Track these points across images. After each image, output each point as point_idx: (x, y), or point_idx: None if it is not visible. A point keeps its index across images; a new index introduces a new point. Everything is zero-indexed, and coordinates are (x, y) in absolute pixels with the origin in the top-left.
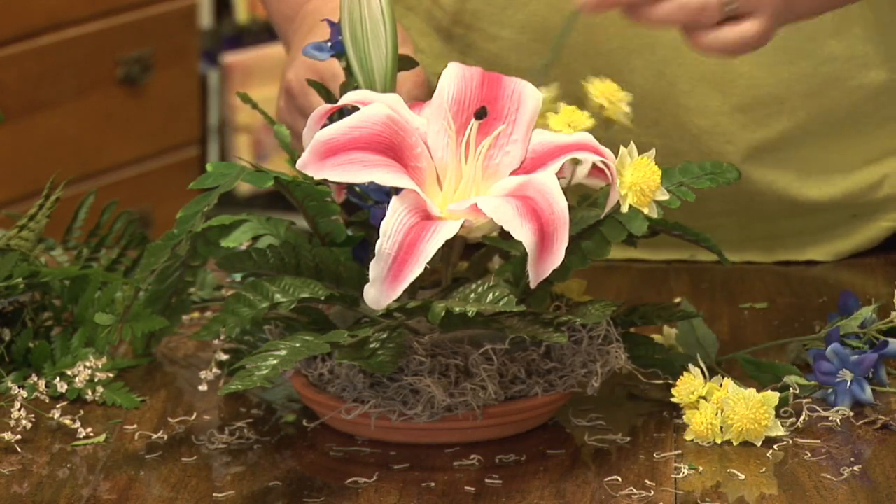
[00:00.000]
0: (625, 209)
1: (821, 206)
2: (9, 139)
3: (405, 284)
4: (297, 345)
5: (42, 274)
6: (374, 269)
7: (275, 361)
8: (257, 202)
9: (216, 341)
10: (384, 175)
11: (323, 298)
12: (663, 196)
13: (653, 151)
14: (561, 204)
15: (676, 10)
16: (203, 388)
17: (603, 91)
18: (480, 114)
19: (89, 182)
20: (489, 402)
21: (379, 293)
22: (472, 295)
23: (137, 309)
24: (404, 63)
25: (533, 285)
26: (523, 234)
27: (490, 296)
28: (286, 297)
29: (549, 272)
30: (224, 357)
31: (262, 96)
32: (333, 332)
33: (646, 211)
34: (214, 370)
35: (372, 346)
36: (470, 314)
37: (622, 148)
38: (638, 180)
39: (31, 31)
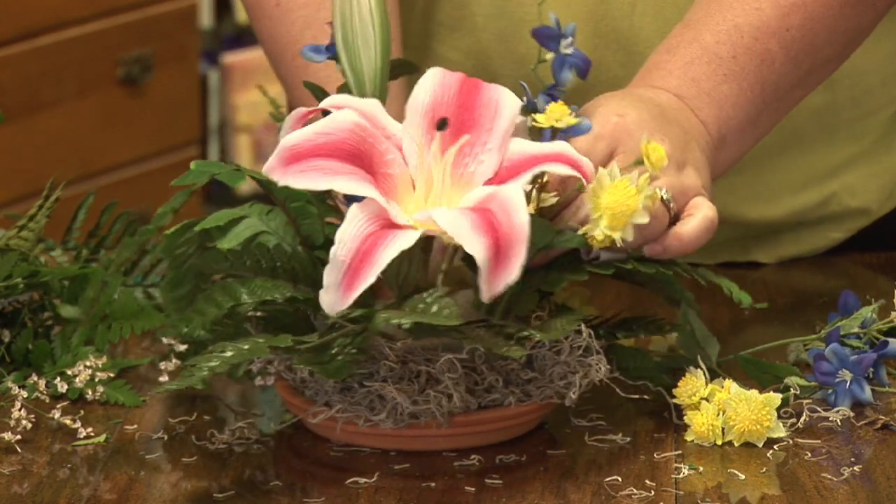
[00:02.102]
0: (598, 234)
1: (768, 223)
2: (9, 139)
3: (359, 291)
4: (245, 347)
5: (42, 274)
6: (329, 275)
7: (216, 363)
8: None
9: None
10: (346, 183)
11: (280, 301)
12: (643, 219)
13: (635, 173)
14: (521, 218)
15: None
16: (164, 378)
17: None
18: (441, 125)
19: (89, 182)
20: (454, 411)
21: (333, 299)
22: (421, 305)
23: (139, 304)
24: (404, 67)
25: (485, 300)
26: (475, 248)
27: (435, 307)
28: (252, 298)
29: (503, 287)
30: (182, 348)
31: (261, 96)
32: (281, 335)
33: (618, 236)
34: (175, 361)
35: (333, 350)
36: (405, 326)
37: (601, 168)
38: (612, 203)
39: (31, 31)
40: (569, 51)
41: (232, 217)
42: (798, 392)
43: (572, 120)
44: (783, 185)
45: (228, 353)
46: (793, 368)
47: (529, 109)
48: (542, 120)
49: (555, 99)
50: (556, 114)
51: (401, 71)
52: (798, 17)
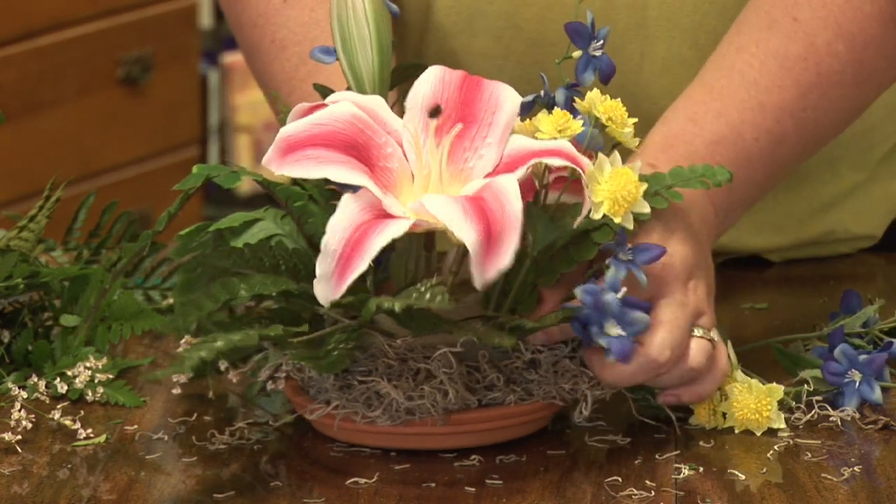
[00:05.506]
0: (597, 216)
1: (776, 247)
2: (9, 139)
3: (351, 280)
4: (236, 338)
5: (42, 274)
6: (321, 265)
7: (204, 353)
8: (259, 202)
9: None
10: (340, 172)
11: (274, 294)
12: (643, 209)
13: (638, 163)
14: (514, 206)
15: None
16: (177, 389)
17: (607, 109)
18: (433, 112)
19: (89, 182)
20: (450, 407)
21: (326, 289)
22: (415, 294)
23: (139, 305)
24: (413, 70)
25: (478, 287)
26: (466, 233)
27: (428, 294)
28: (250, 292)
29: (495, 274)
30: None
31: (261, 97)
32: (272, 325)
33: (618, 220)
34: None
35: (329, 346)
36: (397, 310)
37: (600, 154)
38: (615, 189)
39: (31, 31)
40: (597, 53)
41: (246, 220)
42: (812, 388)
43: (577, 127)
44: (787, 216)
45: (219, 343)
46: (819, 362)
47: (546, 103)
48: (547, 127)
49: (574, 95)
50: (559, 122)
51: (408, 74)
52: (815, 98)
